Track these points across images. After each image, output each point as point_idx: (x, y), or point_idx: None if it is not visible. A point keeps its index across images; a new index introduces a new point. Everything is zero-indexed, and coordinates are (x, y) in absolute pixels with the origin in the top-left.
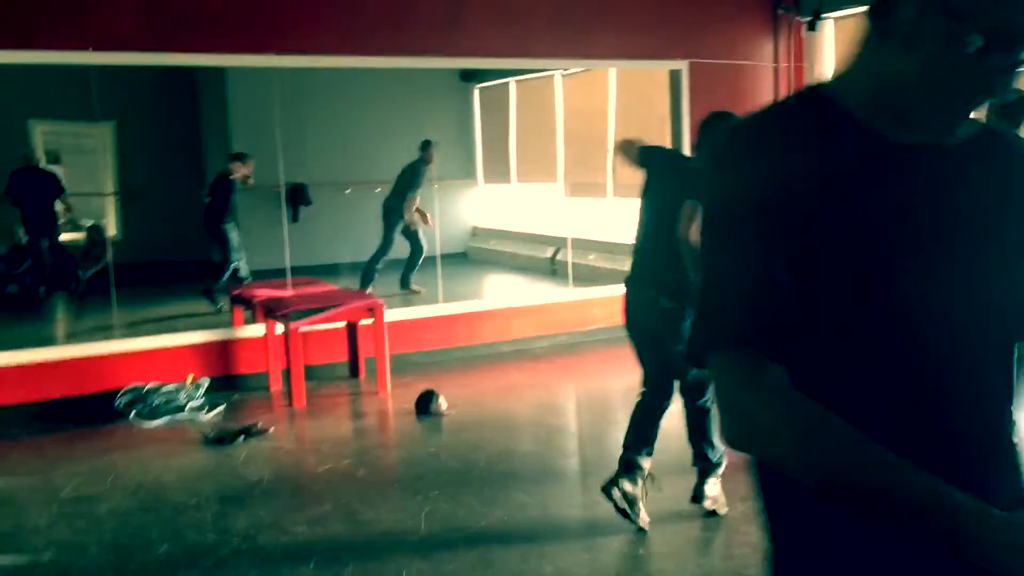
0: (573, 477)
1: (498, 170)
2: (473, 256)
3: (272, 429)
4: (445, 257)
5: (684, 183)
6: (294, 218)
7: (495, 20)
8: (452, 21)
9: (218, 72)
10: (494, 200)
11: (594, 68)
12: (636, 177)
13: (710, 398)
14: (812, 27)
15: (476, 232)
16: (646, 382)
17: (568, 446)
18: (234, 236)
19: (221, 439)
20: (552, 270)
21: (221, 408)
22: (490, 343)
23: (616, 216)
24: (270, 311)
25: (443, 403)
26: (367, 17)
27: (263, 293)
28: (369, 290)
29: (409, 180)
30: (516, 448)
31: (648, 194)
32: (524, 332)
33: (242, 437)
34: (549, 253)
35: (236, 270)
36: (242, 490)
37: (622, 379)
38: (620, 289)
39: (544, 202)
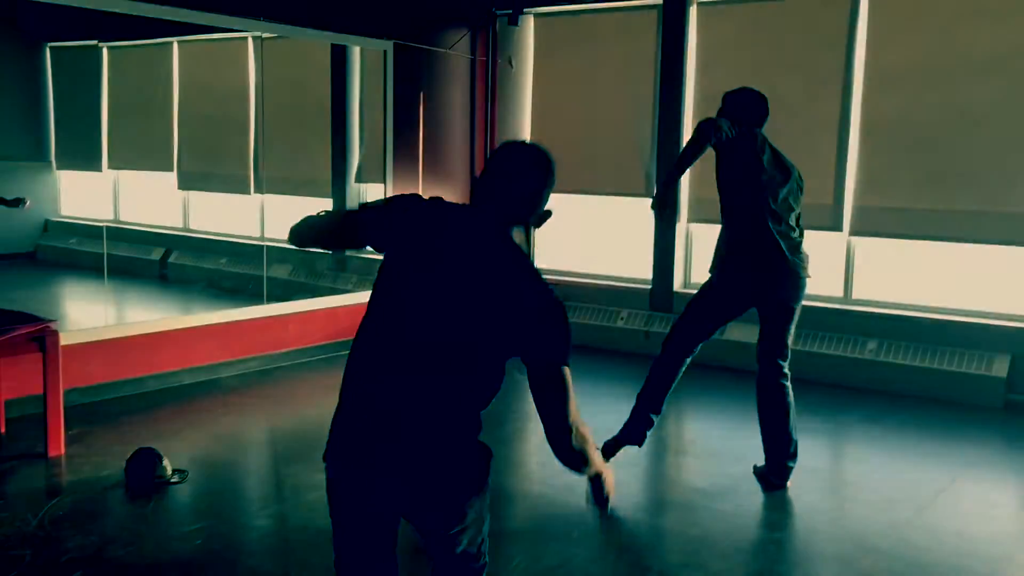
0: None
1: (83, 153)
2: (45, 256)
3: None
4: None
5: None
6: None
7: None
8: None
9: None
10: (78, 190)
11: (292, 37)
12: (284, 172)
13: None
14: (514, 21)
15: (51, 228)
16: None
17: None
18: None
19: None
20: (161, 274)
21: None
22: (168, 372)
23: (261, 215)
24: None
25: (168, 466)
26: None
27: None
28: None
29: None
30: (309, 523)
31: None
32: (210, 357)
33: None
34: (157, 255)
35: None
36: None
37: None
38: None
39: (154, 195)
